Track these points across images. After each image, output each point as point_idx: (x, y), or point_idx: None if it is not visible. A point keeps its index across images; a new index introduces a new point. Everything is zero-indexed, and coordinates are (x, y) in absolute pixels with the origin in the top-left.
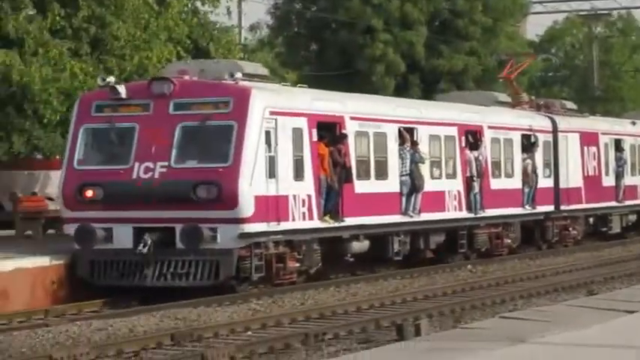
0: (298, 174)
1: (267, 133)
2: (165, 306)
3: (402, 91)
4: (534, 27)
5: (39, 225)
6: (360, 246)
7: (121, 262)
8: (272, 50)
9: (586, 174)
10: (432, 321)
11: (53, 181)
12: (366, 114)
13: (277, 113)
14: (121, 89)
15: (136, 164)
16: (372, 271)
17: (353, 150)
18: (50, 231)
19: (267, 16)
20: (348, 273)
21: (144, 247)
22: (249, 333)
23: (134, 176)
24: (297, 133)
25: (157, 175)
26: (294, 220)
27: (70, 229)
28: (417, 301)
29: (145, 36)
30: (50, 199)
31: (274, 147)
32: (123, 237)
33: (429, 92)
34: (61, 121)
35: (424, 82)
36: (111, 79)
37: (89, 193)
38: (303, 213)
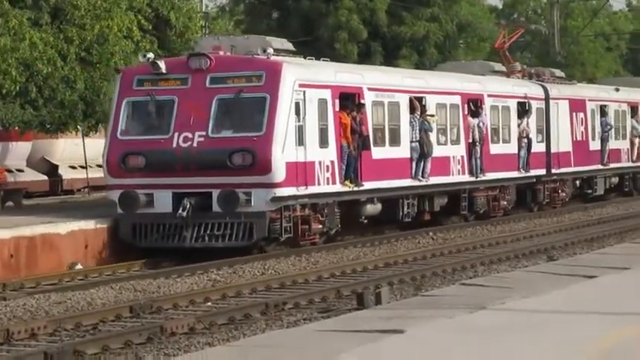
0: (323, 142)
1: (297, 104)
2: (124, 277)
3: (364, 58)
4: None
5: None
6: (374, 209)
7: (161, 225)
8: (232, 18)
9: (575, 139)
10: (393, 289)
11: (12, 153)
12: (382, 85)
13: (305, 85)
14: (162, 64)
15: (176, 134)
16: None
17: (370, 118)
18: (9, 203)
19: None
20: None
21: (183, 210)
22: (209, 304)
23: (174, 145)
24: (322, 103)
25: (195, 144)
26: (319, 184)
27: (114, 195)
28: (378, 269)
29: (105, 5)
30: (9, 170)
31: (303, 117)
32: (163, 202)
33: (390, 59)
34: (20, 91)
35: (386, 49)
36: (151, 55)
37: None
38: (327, 178)
